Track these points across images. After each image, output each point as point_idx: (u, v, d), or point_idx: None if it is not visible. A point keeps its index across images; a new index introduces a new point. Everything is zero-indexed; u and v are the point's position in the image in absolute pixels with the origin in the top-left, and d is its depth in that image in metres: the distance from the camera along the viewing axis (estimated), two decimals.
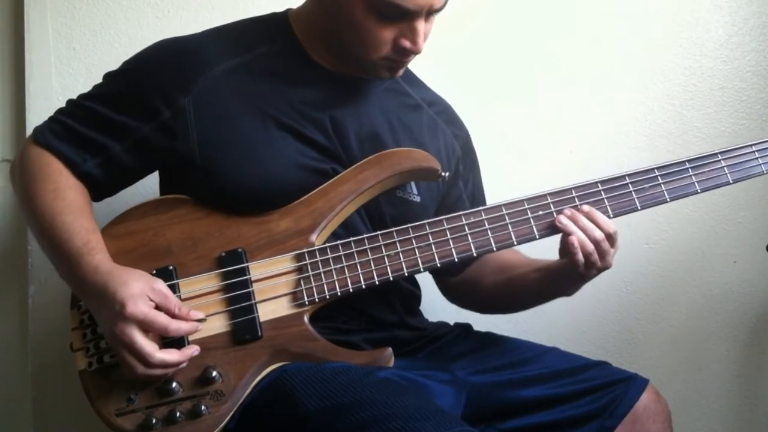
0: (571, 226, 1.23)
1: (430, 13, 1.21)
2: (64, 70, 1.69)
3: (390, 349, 1.20)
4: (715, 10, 1.84)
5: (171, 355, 1.12)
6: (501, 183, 1.61)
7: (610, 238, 1.23)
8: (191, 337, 1.17)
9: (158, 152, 1.25)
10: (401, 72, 1.29)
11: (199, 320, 1.16)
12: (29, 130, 1.30)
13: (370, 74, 1.30)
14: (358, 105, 1.32)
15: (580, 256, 1.22)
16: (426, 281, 1.49)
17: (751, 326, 1.86)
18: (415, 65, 1.48)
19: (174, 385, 1.15)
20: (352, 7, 1.19)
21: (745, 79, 1.84)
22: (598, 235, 1.22)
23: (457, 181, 1.45)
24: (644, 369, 1.37)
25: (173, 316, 1.13)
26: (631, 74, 1.84)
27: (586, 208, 1.24)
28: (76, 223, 1.18)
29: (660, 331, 1.87)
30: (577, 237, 1.22)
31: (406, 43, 1.21)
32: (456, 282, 1.48)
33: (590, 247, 1.22)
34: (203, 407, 1.15)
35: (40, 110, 1.62)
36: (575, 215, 1.24)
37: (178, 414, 1.14)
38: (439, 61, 1.75)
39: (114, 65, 1.31)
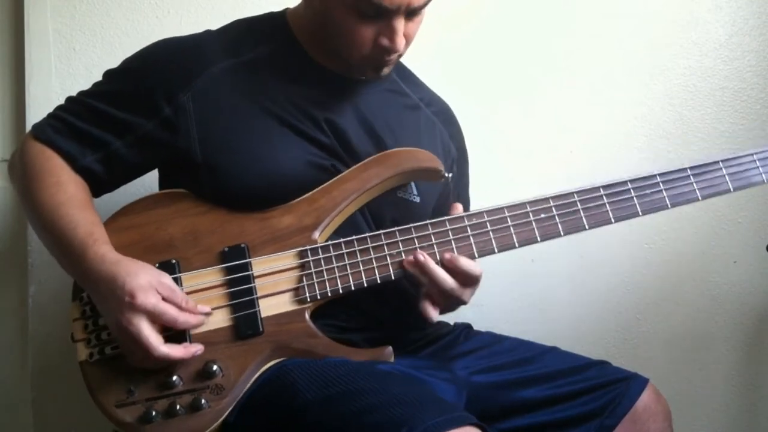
0: (418, 275, 1.21)
1: (411, 12, 1.21)
2: (64, 70, 1.70)
3: (390, 348, 1.21)
4: (715, 10, 1.84)
5: (174, 351, 1.13)
6: (501, 183, 1.62)
7: (471, 280, 1.23)
8: (192, 332, 1.17)
9: (159, 148, 1.25)
10: (386, 71, 1.29)
11: (206, 314, 1.17)
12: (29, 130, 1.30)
13: (356, 73, 1.31)
14: (357, 104, 1.33)
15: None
16: None
17: (751, 326, 1.86)
18: (415, 65, 1.49)
19: (174, 378, 1.15)
20: (334, 6, 1.20)
21: (745, 79, 1.84)
22: (448, 285, 1.21)
23: (449, 183, 1.45)
24: (644, 369, 1.37)
25: (180, 309, 1.14)
26: (631, 74, 1.84)
27: (447, 256, 1.22)
28: (80, 215, 1.19)
29: (660, 331, 1.87)
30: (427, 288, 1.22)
31: (385, 42, 1.21)
32: None
33: (438, 297, 1.22)
34: (203, 401, 1.15)
35: (40, 110, 1.62)
36: (424, 265, 1.21)
37: (178, 407, 1.14)
38: (439, 61, 1.75)
39: (114, 65, 1.32)
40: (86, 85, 1.32)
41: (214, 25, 1.36)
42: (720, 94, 1.84)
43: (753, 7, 1.84)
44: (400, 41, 1.21)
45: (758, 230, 1.84)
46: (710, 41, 1.84)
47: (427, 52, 1.68)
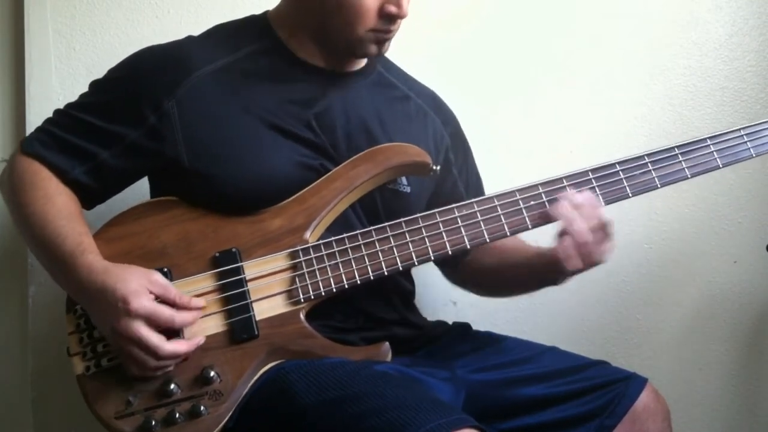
0: (565, 215, 1.22)
1: None
2: (64, 70, 1.70)
3: (387, 344, 1.21)
4: (715, 10, 1.84)
5: (179, 345, 1.14)
6: (501, 183, 1.61)
7: (604, 228, 1.22)
8: (188, 334, 1.17)
9: (147, 157, 1.25)
10: (387, 46, 1.30)
11: (200, 308, 1.17)
12: (29, 130, 1.30)
13: (358, 54, 1.31)
14: (346, 100, 1.33)
15: (572, 250, 1.21)
16: (422, 281, 1.49)
17: (751, 326, 1.85)
18: (415, 64, 1.49)
19: (172, 386, 1.16)
20: None
21: (745, 79, 1.84)
22: (591, 225, 1.21)
23: (451, 169, 1.46)
24: (644, 369, 1.37)
25: (175, 305, 1.14)
26: (631, 74, 1.84)
27: (579, 199, 1.23)
28: (68, 227, 1.19)
29: (660, 331, 1.87)
30: (571, 228, 1.21)
31: (392, 8, 1.22)
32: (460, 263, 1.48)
33: (584, 237, 1.21)
34: (202, 407, 1.15)
35: (40, 110, 1.62)
36: (566, 206, 1.22)
37: (177, 415, 1.15)
38: (439, 61, 1.75)
39: (114, 65, 1.32)
40: (86, 85, 1.33)
41: (214, 25, 1.36)
42: (720, 94, 1.84)
43: (753, 7, 1.84)
44: (406, 6, 1.23)
45: (758, 230, 1.84)
46: (710, 41, 1.84)
47: (427, 52, 1.68)
